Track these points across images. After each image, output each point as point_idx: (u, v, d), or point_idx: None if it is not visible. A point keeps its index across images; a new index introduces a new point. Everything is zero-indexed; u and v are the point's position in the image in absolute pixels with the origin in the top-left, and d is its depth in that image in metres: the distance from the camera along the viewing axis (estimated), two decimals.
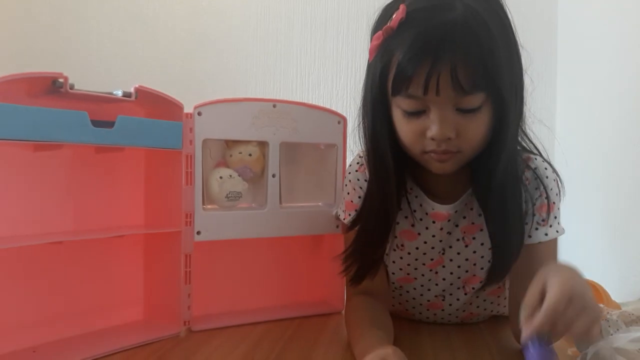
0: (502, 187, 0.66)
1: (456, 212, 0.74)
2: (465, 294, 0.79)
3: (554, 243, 0.71)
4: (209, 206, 0.81)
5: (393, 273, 0.81)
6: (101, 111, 0.70)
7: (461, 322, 0.83)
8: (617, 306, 0.80)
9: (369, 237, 0.72)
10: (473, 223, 0.74)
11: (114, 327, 0.77)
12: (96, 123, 0.67)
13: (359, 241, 0.73)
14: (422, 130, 0.64)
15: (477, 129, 0.63)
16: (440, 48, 0.58)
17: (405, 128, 0.66)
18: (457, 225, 0.75)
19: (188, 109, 0.78)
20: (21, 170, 0.69)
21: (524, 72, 0.67)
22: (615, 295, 0.83)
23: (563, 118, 1.34)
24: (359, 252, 0.73)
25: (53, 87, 0.64)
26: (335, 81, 1.42)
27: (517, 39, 0.66)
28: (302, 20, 1.44)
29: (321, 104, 0.92)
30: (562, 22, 1.34)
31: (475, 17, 0.59)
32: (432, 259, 0.78)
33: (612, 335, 0.62)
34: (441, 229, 0.75)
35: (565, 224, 0.73)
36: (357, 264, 0.73)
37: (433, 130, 0.62)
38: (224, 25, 1.46)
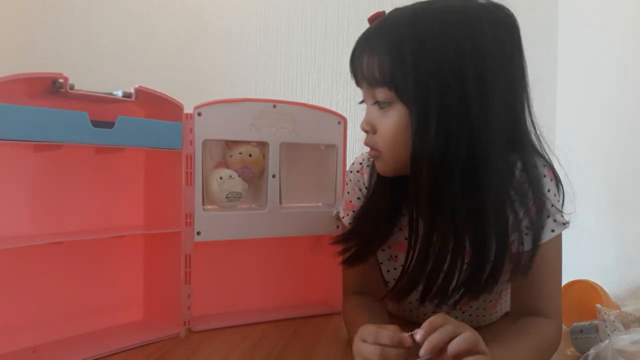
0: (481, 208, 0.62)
1: None
2: (463, 312, 0.78)
3: (554, 242, 0.66)
4: (209, 206, 0.82)
5: (388, 282, 0.81)
6: (101, 111, 0.70)
7: None
8: (616, 307, 0.80)
9: (370, 219, 0.73)
10: None
11: (114, 327, 0.77)
12: (96, 123, 0.67)
13: (360, 220, 0.74)
14: None
15: (387, 126, 0.65)
16: (359, 43, 0.66)
17: None
18: None
19: (188, 109, 0.78)
20: (21, 170, 0.69)
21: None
22: (615, 296, 0.83)
23: (563, 118, 1.34)
24: (358, 230, 0.74)
25: (53, 87, 0.64)
26: (336, 82, 1.42)
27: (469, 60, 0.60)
28: (302, 21, 1.44)
29: (321, 105, 0.92)
30: (562, 22, 1.34)
31: (402, 20, 0.62)
32: None
33: (610, 335, 0.62)
34: None
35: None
36: (355, 245, 0.73)
37: None
38: (224, 26, 1.46)
